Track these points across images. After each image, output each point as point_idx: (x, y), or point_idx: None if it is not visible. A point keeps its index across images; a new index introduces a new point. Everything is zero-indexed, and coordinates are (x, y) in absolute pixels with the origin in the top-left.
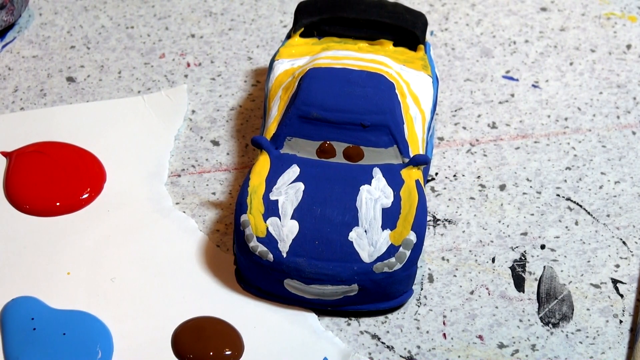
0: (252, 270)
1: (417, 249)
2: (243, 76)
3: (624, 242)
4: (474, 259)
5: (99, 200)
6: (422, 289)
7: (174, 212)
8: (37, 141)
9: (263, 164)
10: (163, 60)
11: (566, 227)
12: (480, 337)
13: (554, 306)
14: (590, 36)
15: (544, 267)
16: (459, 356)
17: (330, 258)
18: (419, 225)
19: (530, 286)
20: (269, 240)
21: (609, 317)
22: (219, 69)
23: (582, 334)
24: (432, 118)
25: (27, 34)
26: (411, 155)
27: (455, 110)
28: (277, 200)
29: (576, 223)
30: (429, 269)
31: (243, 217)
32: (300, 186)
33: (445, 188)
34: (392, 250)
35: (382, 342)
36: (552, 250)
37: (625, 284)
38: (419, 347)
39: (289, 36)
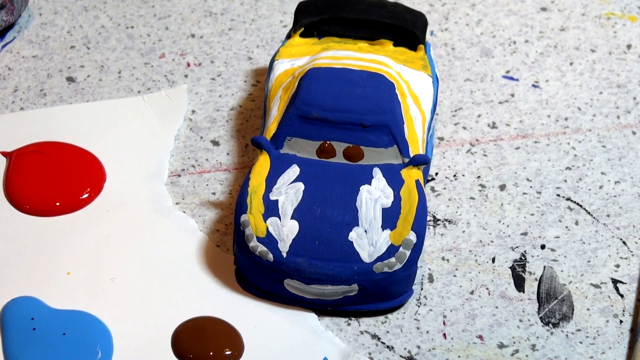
0: (252, 270)
1: (417, 249)
2: (243, 76)
3: (624, 242)
4: (474, 259)
5: (99, 200)
6: (422, 289)
7: (174, 212)
8: (37, 141)
9: (263, 164)
10: (163, 60)
11: (566, 227)
12: (480, 337)
13: (554, 306)
14: (590, 36)
15: (544, 267)
16: (459, 356)
17: (330, 258)
18: (419, 225)
19: (530, 286)
20: (269, 240)
21: (609, 317)
22: (219, 69)
23: (582, 334)
24: (432, 118)
25: (27, 34)
26: (411, 155)
27: (455, 110)
28: (277, 200)
29: (576, 223)
30: (429, 269)
31: (243, 217)
32: (300, 186)
33: (445, 188)
34: (392, 250)
35: (382, 342)
36: (552, 250)
37: (626, 284)
38: (419, 347)
39: (289, 36)
